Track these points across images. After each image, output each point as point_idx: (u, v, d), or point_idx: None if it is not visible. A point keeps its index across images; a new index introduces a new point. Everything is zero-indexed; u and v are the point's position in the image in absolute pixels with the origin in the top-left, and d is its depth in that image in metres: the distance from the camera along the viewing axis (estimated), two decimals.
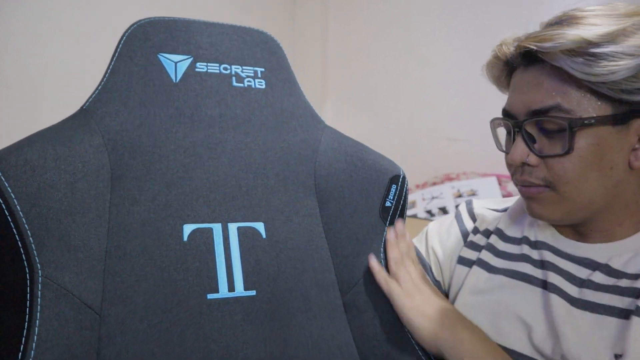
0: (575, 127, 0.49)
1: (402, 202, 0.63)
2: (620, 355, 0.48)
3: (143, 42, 0.59)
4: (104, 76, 0.57)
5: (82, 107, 0.56)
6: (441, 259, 0.70)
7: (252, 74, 0.64)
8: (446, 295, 0.70)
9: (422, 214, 1.71)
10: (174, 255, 0.53)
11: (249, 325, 0.53)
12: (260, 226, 0.59)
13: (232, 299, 0.53)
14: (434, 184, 1.89)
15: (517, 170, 0.56)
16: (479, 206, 0.72)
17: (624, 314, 0.50)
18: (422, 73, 2.08)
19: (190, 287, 0.52)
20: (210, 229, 0.56)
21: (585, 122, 0.49)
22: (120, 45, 0.58)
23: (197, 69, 0.61)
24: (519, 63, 0.55)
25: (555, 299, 0.55)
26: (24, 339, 0.42)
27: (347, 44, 2.31)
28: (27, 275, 0.44)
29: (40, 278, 0.45)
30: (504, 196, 1.58)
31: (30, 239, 0.45)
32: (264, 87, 0.64)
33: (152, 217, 0.54)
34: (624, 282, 0.51)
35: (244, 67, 0.63)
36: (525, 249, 0.61)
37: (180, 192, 0.56)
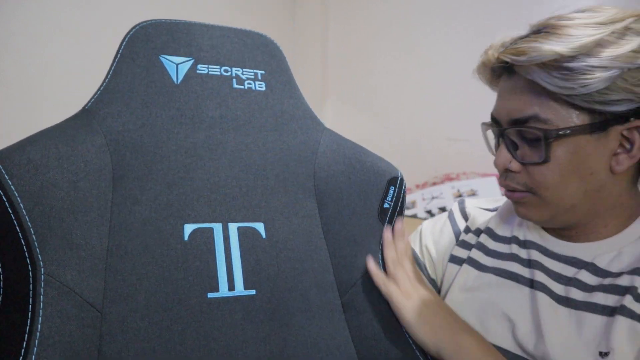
0: (551, 138, 0.50)
1: (400, 203, 0.64)
2: (606, 354, 0.49)
3: (145, 43, 0.59)
4: (106, 77, 0.58)
5: (84, 108, 0.57)
6: (434, 258, 0.71)
7: (252, 77, 0.64)
8: (439, 292, 0.71)
9: (422, 214, 1.71)
10: (174, 254, 0.53)
11: (248, 324, 0.53)
12: (260, 226, 0.59)
13: (232, 298, 0.54)
14: (434, 184, 1.90)
15: (502, 175, 0.57)
16: (470, 205, 0.74)
17: (608, 311, 0.51)
18: (422, 73, 2.08)
19: (191, 286, 0.52)
20: (211, 229, 0.56)
21: (560, 132, 0.50)
22: (122, 47, 0.59)
23: (198, 71, 0.61)
24: (501, 71, 0.56)
25: (541, 297, 0.56)
26: (26, 335, 0.42)
27: (347, 44, 2.31)
28: (30, 272, 0.45)
29: (42, 276, 0.45)
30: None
31: (33, 236, 0.46)
32: (264, 89, 0.65)
33: (153, 217, 0.54)
34: (608, 281, 0.53)
35: (244, 70, 0.64)
36: (514, 249, 0.62)
37: (181, 192, 0.57)
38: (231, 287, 0.54)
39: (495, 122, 0.57)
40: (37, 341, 0.42)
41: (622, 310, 0.49)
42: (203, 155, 0.59)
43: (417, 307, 0.57)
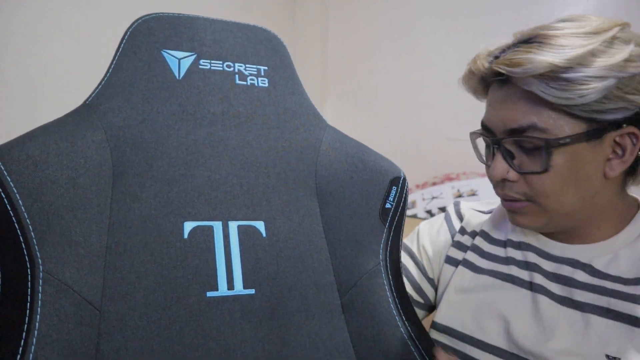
0: (552, 147, 0.51)
1: (402, 203, 0.63)
2: (615, 358, 0.49)
3: (147, 37, 0.59)
4: (107, 71, 0.57)
5: (84, 102, 0.56)
6: (431, 257, 0.72)
7: (255, 72, 0.64)
8: (436, 291, 0.71)
9: (422, 214, 1.71)
10: (174, 252, 0.53)
11: (247, 324, 0.53)
12: (260, 225, 0.59)
13: (231, 297, 0.53)
14: (434, 184, 1.89)
15: (498, 184, 0.57)
16: (465, 207, 0.75)
17: (613, 316, 0.51)
18: (422, 73, 2.08)
19: (190, 285, 0.52)
20: (211, 227, 0.56)
21: (561, 141, 0.50)
22: (124, 41, 0.58)
23: (200, 66, 0.60)
24: (493, 81, 0.56)
25: (542, 298, 0.57)
26: (24, 333, 0.42)
27: (347, 44, 2.31)
28: (29, 270, 0.45)
29: (41, 273, 0.45)
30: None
31: (32, 233, 0.46)
32: (267, 85, 0.64)
33: (153, 214, 0.54)
34: (609, 284, 0.53)
35: (247, 65, 0.63)
36: (510, 252, 0.63)
37: (181, 190, 0.56)
38: (230, 286, 0.54)
39: (487, 131, 0.57)
40: (35, 339, 0.42)
41: None
42: (204, 152, 0.59)
43: None
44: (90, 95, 0.56)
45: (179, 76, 0.59)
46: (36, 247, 0.45)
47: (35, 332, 0.42)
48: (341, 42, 2.33)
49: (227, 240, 0.56)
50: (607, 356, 0.50)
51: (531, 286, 0.58)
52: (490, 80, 0.56)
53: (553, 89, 0.48)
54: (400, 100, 2.15)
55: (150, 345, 0.48)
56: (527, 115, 0.51)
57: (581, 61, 0.48)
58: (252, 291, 0.55)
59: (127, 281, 0.50)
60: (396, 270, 0.62)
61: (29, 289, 0.44)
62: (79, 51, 1.32)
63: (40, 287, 0.44)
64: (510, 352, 0.56)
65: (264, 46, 0.65)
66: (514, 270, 0.61)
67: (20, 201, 0.46)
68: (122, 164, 0.54)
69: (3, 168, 0.47)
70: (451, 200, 1.73)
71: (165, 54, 0.59)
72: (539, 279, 0.58)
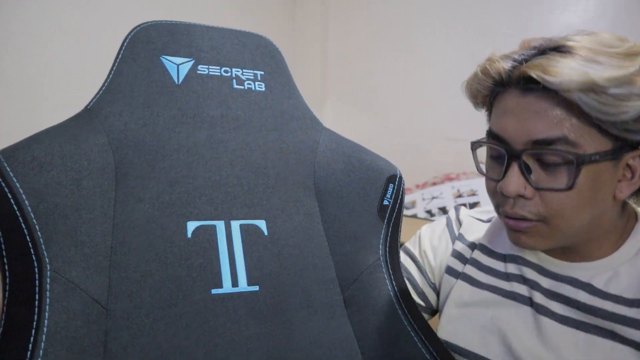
0: (583, 163, 0.47)
1: (399, 200, 0.65)
2: None
3: (146, 44, 0.60)
4: (108, 77, 0.59)
5: (86, 107, 0.58)
6: (433, 265, 0.71)
7: (252, 77, 0.65)
8: (438, 297, 0.71)
9: (422, 214, 1.71)
10: (178, 251, 0.54)
11: (252, 320, 0.54)
12: (262, 224, 0.60)
13: (236, 294, 0.54)
14: (434, 184, 1.90)
15: (507, 202, 0.52)
16: (464, 213, 0.74)
17: (620, 340, 0.51)
18: (422, 73, 2.08)
19: (195, 283, 0.53)
20: (214, 226, 0.57)
21: (592, 158, 0.47)
22: (124, 48, 0.60)
23: (198, 72, 0.62)
24: (515, 86, 0.51)
25: (544, 319, 0.56)
26: (33, 330, 0.43)
27: (347, 44, 2.31)
28: (36, 269, 0.45)
29: (48, 272, 0.46)
30: None
31: (39, 233, 0.46)
32: (263, 89, 0.66)
33: (156, 215, 0.55)
34: (610, 305, 0.52)
35: (244, 70, 0.65)
36: (510, 267, 0.62)
37: (183, 191, 0.57)
38: (235, 283, 0.55)
39: (500, 141, 0.52)
40: (44, 336, 0.43)
41: None
42: (204, 154, 0.60)
43: None
44: (91, 101, 0.58)
45: (178, 81, 0.61)
46: (43, 246, 0.46)
47: (45, 329, 0.43)
48: (341, 42, 2.33)
49: (229, 239, 0.57)
50: None
51: (531, 303, 0.58)
52: (507, 85, 0.52)
53: (595, 102, 0.45)
54: (400, 100, 2.16)
55: (158, 342, 0.49)
56: (556, 127, 0.47)
57: (627, 80, 0.46)
58: (256, 288, 0.56)
59: (132, 280, 0.51)
60: (395, 264, 0.63)
61: (37, 288, 0.45)
62: (79, 51, 1.32)
63: (48, 286, 0.45)
64: None
65: (260, 52, 0.67)
66: (515, 287, 0.60)
67: (26, 202, 0.47)
68: (124, 166, 0.55)
69: (9, 169, 0.47)
70: (451, 200, 1.74)
71: (164, 60, 0.61)
72: (538, 297, 0.57)
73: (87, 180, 0.52)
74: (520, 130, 0.50)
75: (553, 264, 0.58)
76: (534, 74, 0.47)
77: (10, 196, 0.46)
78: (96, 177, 0.53)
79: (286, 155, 0.65)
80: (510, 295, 0.60)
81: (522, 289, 0.59)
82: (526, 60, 0.50)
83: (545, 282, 0.58)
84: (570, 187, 0.48)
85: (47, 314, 0.44)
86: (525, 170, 0.50)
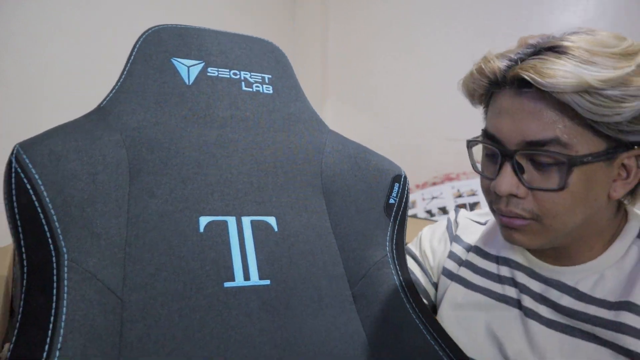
0: (575, 164, 0.48)
1: (404, 199, 0.67)
2: None
3: (157, 46, 0.62)
4: (120, 77, 0.60)
5: (99, 106, 0.59)
6: (432, 266, 0.73)
7: (260, 80, 0.67)
8: (436, 297, 0.72)
9: (422, 214, 1.71)
10: (191, 245, 0.55)
11: (264, 313, 0.55)
12: (272, 220, 0.61)
13: (248, 287, 0.56)
14: (434, 184, 1.90)
15: (501, 200, 0.53)
16: (462, 216, 0.75)
17: (601, 342, 0.51)
18: (422, 73, 2.09)
19: (208, 276, 0.54)
20: (225, 222, 0.58)
21: (584, 159, 0.48)
22: (136, 49, 0.62)
23: (208, 74, 0.64)
24: (510, 86, 0.51)
25: (532, 322, 0.56)
26: (52, 317, 0.44)
27: (347, 44, 2.31)
28: (54, 258, 0.46)
29: (66, 262, 0.47)
30: None
31: (57, 223, 0.48)
32: (271, 92, 0.68)
33: (169, 210, 0.56)
34: (593, 309, 0.52)
35: (252, 73, 0.67)
36: (502, 270, 0.63)
37: (195, 187, 0.59)
38: (246, 277, 0.56)
39: (494, 141, 0.53)
40: (63, 323, 0.44)
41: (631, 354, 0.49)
42: (215, 153, 0.62)
43: None
44: (104, 99, 0.59)
45: (188, 82, 0.63)
46: (61, 236, 0.47)
47: (64, 316, 0.44)
48: (341, 42, 2.33)
49: (241, 234, 0.58)
50: None
51: (520, 306, 0.58)
52: (501, 85, 0.52)
53: (588, 103, 0.45)
54: (400, 100, 2.16)
55: (173, 333, 0.50)
56: (549, 128, 0.48)
57: (622, 81, 0.45)
58: (268, 282, 0.57)
59: (147, 272, 0.52)
60: (402, 260, 0.65)
61: (55, 276, 0.46)
62: (79, 51, 1.32)
63: (66, 275, 0.46)
64: None
65: (267, 57, 0.69)
66: (506, 290, 0.61)
67: (44, 192, 0.48)
68: (138, 162, 0.57)
69: (28, 161, 0.48)
70: (451, 200, 1.75)
71: (175, 62, 0.63)
72: (527, 301, 0.58)
73: (102, 174, 0.53)
74: (514, 130, 0.50)
75: (543, 268, 0.59)
76: (527, 76, 0.47)
77: (29, 187, 0.48)
78: (111, 172, 0.54)
79: (294, 156, 0.67)
80: (502, 298, 0.61)
81: (512, 292, 0.60)
82: (522, 60, 0.50)
83: (535, 286, 0.58)
84: (562, 188, 0.49)
85: (65, 301, 0.45)
86: (518, 170, 0.51)
